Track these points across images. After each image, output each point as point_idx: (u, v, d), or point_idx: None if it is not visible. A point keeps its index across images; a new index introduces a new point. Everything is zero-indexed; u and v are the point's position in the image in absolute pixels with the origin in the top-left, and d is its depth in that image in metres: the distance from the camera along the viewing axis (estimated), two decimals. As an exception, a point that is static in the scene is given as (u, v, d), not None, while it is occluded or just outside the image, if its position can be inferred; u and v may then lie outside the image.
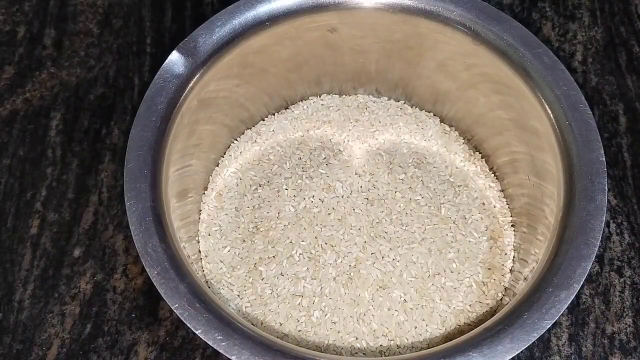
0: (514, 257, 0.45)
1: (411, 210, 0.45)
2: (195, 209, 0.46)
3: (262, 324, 0.42)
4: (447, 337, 0.42)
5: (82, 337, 0.44)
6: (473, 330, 0.36)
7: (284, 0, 0.43)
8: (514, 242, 0.46)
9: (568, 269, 0.36)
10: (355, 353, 0.41)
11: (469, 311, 0.43)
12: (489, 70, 0.44)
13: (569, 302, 0.35)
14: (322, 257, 0.43)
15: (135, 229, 0.36)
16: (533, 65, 0.41)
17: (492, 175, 0.48)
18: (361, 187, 0.46)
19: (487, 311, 0.43)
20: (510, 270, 0.45)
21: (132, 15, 0.58)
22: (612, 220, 0.49)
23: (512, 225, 0.46)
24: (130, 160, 0.38)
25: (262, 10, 0.43)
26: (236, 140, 0.50)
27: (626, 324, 0.45)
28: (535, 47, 0.42)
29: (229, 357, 0.33)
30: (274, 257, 0.44)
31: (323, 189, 0.46)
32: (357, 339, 0.41)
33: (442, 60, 0.46)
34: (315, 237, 0.44)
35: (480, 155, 0.50)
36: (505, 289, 0.44)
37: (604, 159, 0.39)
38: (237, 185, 0.48)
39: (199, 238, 0.46)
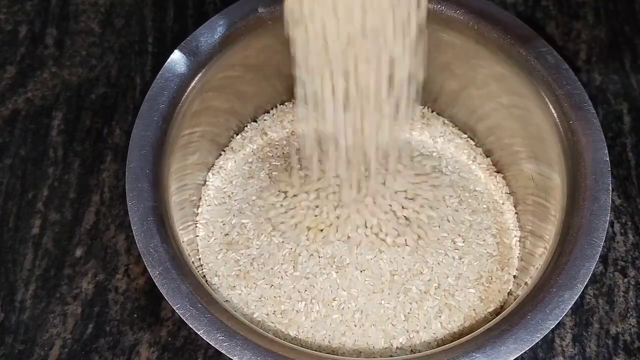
0: (518, 256, 0.45)
1: (415, 208, 0.45)
2: (196, 208, 0.46)
3: (263, 324, 0.42)
4: (451, 338, 0.41)
5: (84, 337, 0.44)
6: (476, 331, 0.36)
7: (286, -1, 0.43)
8: (519, 241, 0.45)
9: (572, 269, 0.36)
10: (358, 354, 0.41)
11: (472, 311, 0.42)
12: (492, 69, 0.44)
13: (573, 302, 0.35)
14: (323, 256, 0.43)
15: (137, 229, 0.36)
16: (537, 65, 0.41)
17: (496, 174, 0.48)
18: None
19: (490, 311, 0.43)
20: (515, 270, 0.44)
21: (134, 15, 0.58)
22: (616, 220, 0.48)
23: (517, 225, 0.46)
24: (132, 160, 0.38)
25: (263, 9, 0.43)
26: (237, 137, 0.50)
27: (630, 324, 0.45)
28: (539, 46, 0.42)
29: (231, 357, 0.33)
30: (274, 256, 0.44)
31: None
32: (359, 339, 0.41)
33: (445, 59, 0.46)
34: (318, 236, 0.44)
35: (484, 154, 0.49)
36: (510, 289, 0.44)
37: (607, 159, 0.38)
38: (238, 183, 0.47)
39: (198, 236, 0.46)
